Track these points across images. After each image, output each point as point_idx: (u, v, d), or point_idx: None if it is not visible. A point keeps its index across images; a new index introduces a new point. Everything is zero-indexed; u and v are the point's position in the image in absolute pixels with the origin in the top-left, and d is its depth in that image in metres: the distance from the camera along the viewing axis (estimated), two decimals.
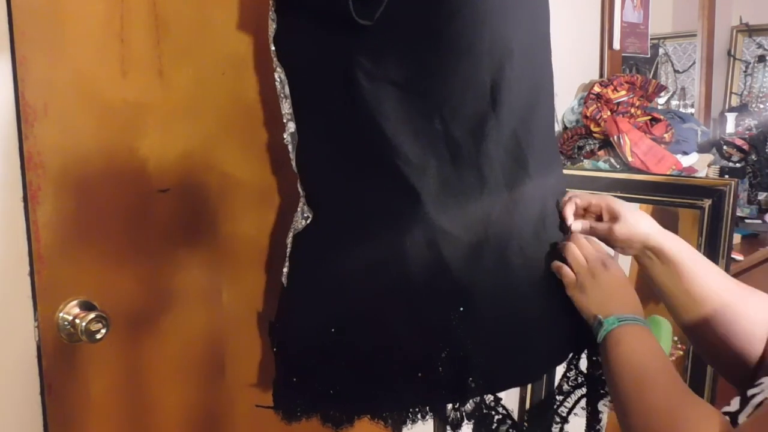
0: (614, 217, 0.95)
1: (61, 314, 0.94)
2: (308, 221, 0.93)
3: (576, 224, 0.96)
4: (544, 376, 1.47)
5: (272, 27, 0.90)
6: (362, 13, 0.79)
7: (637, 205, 1.54)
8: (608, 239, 0.96)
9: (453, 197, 0.86)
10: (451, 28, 0.82)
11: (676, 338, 0.91)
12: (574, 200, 0.98)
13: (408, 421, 0.91)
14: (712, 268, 0.92)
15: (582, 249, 0.92)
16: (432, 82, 0.84)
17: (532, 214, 0.92)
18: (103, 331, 0.94)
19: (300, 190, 0.95)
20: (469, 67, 0.84)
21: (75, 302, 0.95)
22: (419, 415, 0.92)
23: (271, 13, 0.90)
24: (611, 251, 0.96)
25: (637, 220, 0.94)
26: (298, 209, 0.96)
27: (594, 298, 0.88)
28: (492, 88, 0.86)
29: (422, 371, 0.87)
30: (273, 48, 0.91)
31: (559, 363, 1.00)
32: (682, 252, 0.92)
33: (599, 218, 0.98)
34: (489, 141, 0.87)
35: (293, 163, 0.94)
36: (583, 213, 0.99)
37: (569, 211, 0.97)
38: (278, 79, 0.92)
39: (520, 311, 0.90)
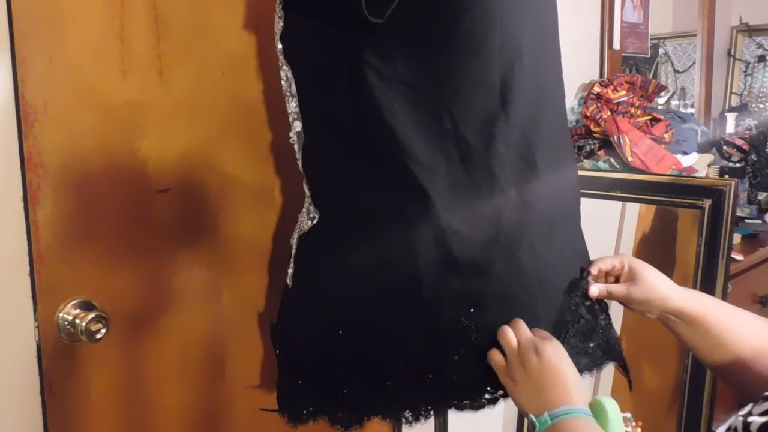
0: (632, 279, 0.93)
1: (61, 314, 0.94)
2: (314, 222, 0.93)
3: (593, 289, 0.93)
4: None
5: (279, 25, 0.90)
6: (373, 11, 0.79)
7: (638, 205, 1.54)
8: (625, 302, 0.94)
9: (463, 197, 0.86)
10: (461, 27, 0.82)
11: (629, 414, 0.86)
12: (599, 265, 0.96)
13: (421, 419, 0.91)
14: (744, 316, 0.88)
15: (517, 332, 0.83)
16: (441, 81, 0.84)
17: (543, 213, 0.91)
18: (103, 331, 0.94)
19: (306, 190, 0.94)
20: (479, 66, 0.84)
21: (75, 302, 0.95)
22: (431, 413, 0.91)
23: (278, 10, 0.89)
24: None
25: (655, 284, 0.91)
26: (304, 209, 0.95)
27: (524, 392, 0.80)
28: (502, 87, 0.85)
29: (432, 372, 0.87)
30: (280, 46, 0.90)
31: None
32: (708, 310, 0.88)
33: (617, 277, 0.96)
34: (499, 141, 0.86)
35: (299, 162, 0.93)
36: (605, 275, 0.97)
37: (593, 270, 0.95)
38: (284, 78, 0.91)
39: (530, 312, 0.89)
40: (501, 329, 0.85)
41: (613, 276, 0.97)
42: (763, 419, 0.58)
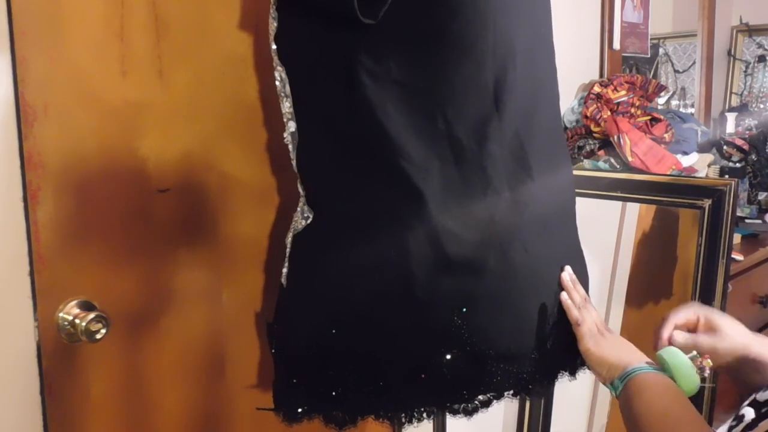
0: (712, 330, 0.94)
1: (61, 314, 0.94)
2: (308, 221, 0.93)
3: (678, 335, 0.94)
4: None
5: (273, 26, 0.90)
6: (366, 11, 0.79)
7: (638, 206, 1.54)
8: (711, 354, 0.94)
9: (456, 197, 0.86)
10: (453, 27, 0.82)
11: (694, 352, 0.90)
12: (673, 320, 0.96)
13: (414, 421, 0.91)
14: None
15: (590, 312, 0.96)
16: (435, 81, 0.84)
17: (536, 213, 0.91)
18: (103, 331, 0.94)
19: (300, 190, 0.95)
20: (472, 66, 0.84)
21: (75, 302, 0.95)
22: (424, 415, 0.91)
23: (272, 11, 0.90)
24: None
25: (736, 334, 0.93)
26: (298, 209, 0.95)
27: (611, 350, 0.91)
28: (495, 88, 0.86)
29: (425, 372, 0.87)
30: (274, 47, 0.91)
31: (563, 369, 0.99)
32: None
33: (693, 329, 0.97)
34: (492, 141, 0.86)
35: (293, 162, 0.94)
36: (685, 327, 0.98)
37: (668, 328, 0.95)
38: (279, 78, 0.91)
39: (523, 311, 0.90)
40: (583, 306, 0.95)
41: (686, 327, 0.97)
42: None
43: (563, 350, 0.95)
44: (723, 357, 0.93)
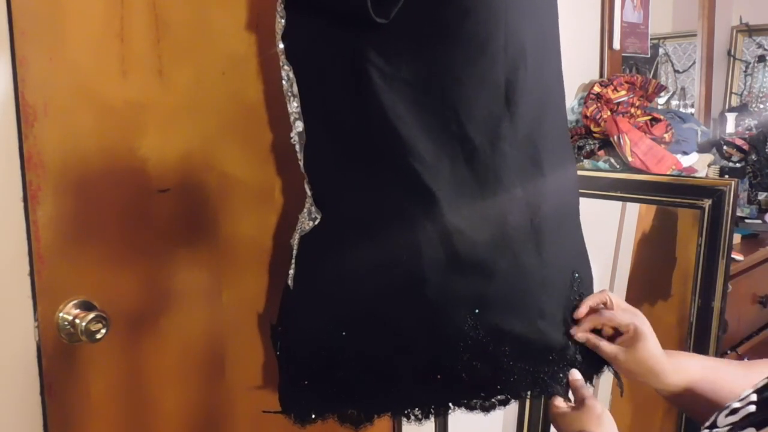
0: (630, 344, 0.88)
1: (61, 314, 0.94)
2: (316, 222, 0.92)
3: (580, 335, 0.90)
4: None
5: (280, 24, 0.89)
6: (378, 10, 0.78)
7: (638, 205, 1.54)
8: (613, 364, 0.91)
9: (468, 197, 0.86)
10: (465, 26, 0.82)
11: None
12: (608, 317, 0.91)
13: (431, 416, 0.91)
14: (731, 373, 0.87)
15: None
16: (446, 81, 0.84)
17: (546, 214, 0.91)
18: (103, 331, 0.94)
19: (307, 190, 0.94)
20: (484, 66, 0.84)
21: (75, 302, 0.95)
22: (440, 411, 0.91)
23: (279, 9, 0.89)
24: None
25: (648, 359, 0.88)
26: (305, 210, 0.95)
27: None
28: (507, 87, 0.85)
29: (440, 373, 0.87)
30: (281, 46, 0.90)
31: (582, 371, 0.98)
32: (696, 384, 0.87)
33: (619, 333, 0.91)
34: (504, 141, 0.86)
35: (301, 162, 0.93)
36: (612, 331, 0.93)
37: (584, 309, 0.91)
38: (285, 78, 0.91)
39: (535, 314, 0.89)
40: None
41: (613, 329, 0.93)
42: (726, 428, 0.58)
43: (581, 353, 0.94)
44: (630, 376, 0.90)
